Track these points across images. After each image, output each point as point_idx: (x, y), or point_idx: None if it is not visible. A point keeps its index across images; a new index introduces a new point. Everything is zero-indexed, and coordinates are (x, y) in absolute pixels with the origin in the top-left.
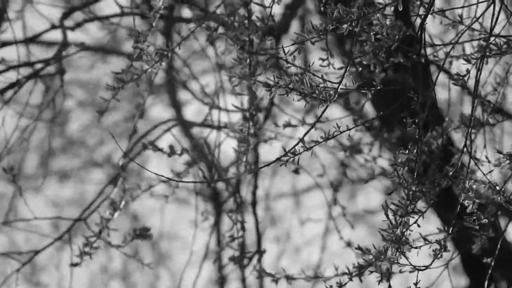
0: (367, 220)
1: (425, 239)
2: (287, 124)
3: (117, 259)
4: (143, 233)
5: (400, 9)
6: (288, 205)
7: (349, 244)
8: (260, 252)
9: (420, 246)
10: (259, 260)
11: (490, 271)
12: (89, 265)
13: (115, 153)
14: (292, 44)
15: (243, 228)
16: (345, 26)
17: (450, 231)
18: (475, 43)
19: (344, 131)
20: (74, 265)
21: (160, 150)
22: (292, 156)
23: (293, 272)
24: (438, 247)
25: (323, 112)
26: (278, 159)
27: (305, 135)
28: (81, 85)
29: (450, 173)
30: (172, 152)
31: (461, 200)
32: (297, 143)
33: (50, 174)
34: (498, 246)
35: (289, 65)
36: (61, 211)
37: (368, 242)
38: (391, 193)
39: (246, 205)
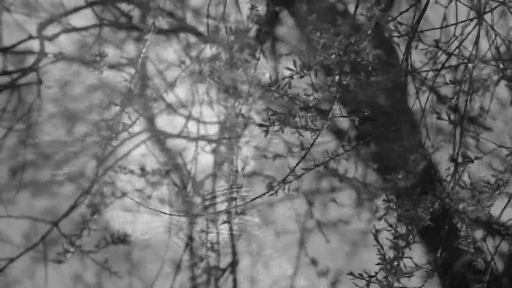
0: (339, 229)
1: (416, 265)
2: (276, 155)
3: (90, 270)
4: (120, 239)
5: (387, 35)
6: (262, 216)
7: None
8: (234, 262)
9: (411, 273)
10: (232, 271)
11: None
12: (63, 276)
13: (87, 166)
14: (283, 78)
15: (212, 246)
16: (333, 56)
17: (439, 255)
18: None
19: (334, 157)
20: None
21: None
22: (283, 185)
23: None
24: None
25: (314, 140)
26: (269, 191)
27: (296, 165)
28: (54, 99)
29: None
30: (143, 173)
31: (456, 222)
32: (289, 173)
33: (22, 187)
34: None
35: (277, 95)
36: (34, 224)
37: (342, 251)
38: (382, 218)
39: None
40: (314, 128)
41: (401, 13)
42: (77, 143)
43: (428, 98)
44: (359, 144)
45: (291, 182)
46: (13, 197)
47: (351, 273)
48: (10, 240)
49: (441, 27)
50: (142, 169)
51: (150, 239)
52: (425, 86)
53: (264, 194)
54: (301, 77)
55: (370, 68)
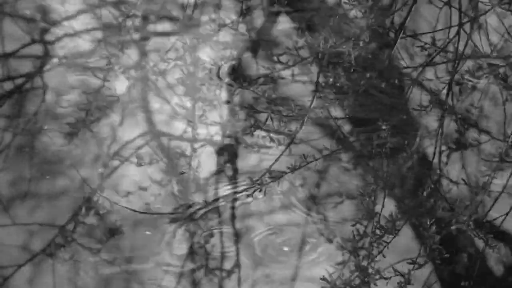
0: (338, 230)
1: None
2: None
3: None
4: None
5: (381, 31)
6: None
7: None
8: (238, 264)
9: (391, 277)
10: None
11: None
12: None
13: (88, 175)
14: (276, 60)
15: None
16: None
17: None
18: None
19: (311, 162)
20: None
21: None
22: (259, 186)
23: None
24: (402, 280)
25: (297, 131)
26: (245, 190)
27: (272, 164)
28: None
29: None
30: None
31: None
32: (264, 174)
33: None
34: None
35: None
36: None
37: (339, 253)
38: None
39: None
40: (298, 116)
41: (393, 12)
42: (78, 152)
43: (411, 91)
44: (341, 148)
45: (268, 184)
46: (14, 208)
47: (324, 279)
48: (14, 247)
49: (433, 31)
50: (142, 174)
51: (150, 246)
52: (412, 82)
53: (241, 192)
54: (289, 66)
55: (352, 70)
